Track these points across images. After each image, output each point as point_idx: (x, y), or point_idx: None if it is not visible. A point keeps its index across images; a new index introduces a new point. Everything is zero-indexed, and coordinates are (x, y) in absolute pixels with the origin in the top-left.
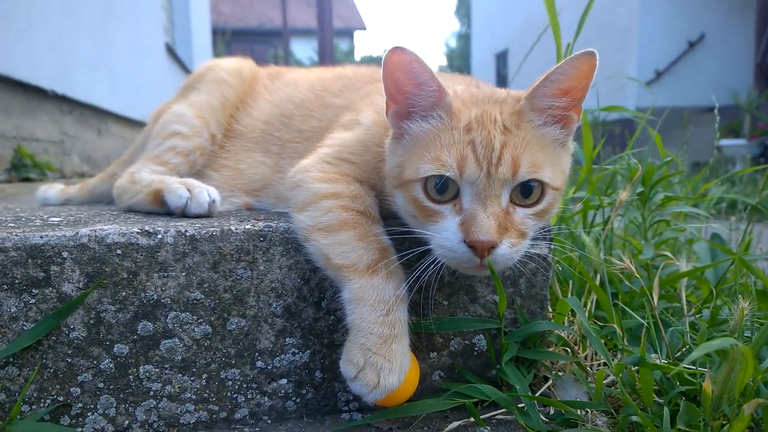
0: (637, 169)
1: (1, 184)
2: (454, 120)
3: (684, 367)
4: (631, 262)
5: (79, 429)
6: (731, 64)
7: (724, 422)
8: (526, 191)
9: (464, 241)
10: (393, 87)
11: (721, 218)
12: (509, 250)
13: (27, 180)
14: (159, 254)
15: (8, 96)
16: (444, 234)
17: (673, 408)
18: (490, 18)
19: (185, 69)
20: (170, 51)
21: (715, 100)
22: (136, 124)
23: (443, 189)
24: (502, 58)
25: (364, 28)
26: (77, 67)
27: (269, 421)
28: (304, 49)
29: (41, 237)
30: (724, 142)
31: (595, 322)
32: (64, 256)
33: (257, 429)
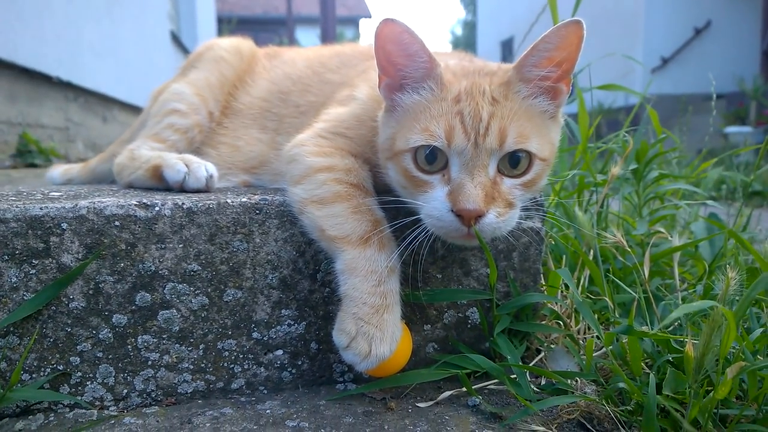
0: (629, 145)
1: (6, 169)
2: (444, 91)
3: (671, 336)
4: (622, 236)
5: (79, 397)
6: (738, 51)
7: (710, 389)
8: (514, 161)
9: (452, 210)
10: (384, 59)
11: (722, 202)
12: (496, 220)
13: (32, 166)
14: (156, 226)
15: (14, 82)
16: (433, 203)
17: (662, 377)
18: (495, 6)
19: None
20: (175, 39)
21: (713, 88)
22: (141, 112)
23: (432, 159)
24: (507, 46)
25: (370, 16)
26: (83, 54)
27: (265, 391)
28: (309, 37)
29: (41, 208)
30: (730, 129)
31: (589, 297)
32: (64, 227)
33: (253, 399)
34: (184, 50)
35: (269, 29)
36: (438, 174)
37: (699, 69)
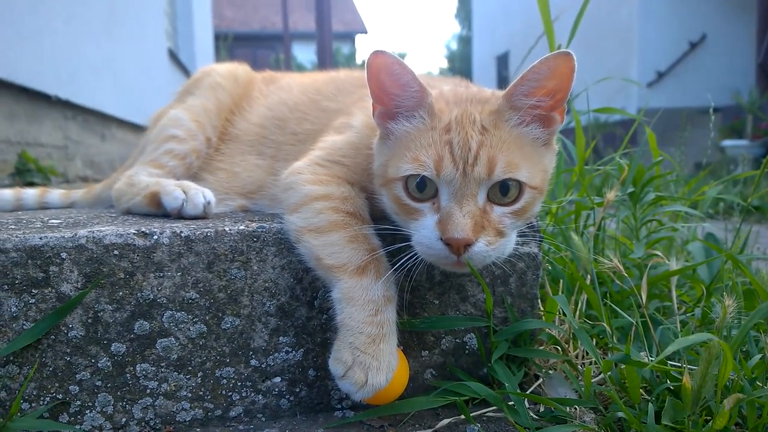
0: (626, 168)
1: (5, 188)
2: (434, 120)
3: (670, 365)
4: (619, 261)
5: (78, 426)
6: (733, 65)
7: (709, 418)
8: (504, 190)
9: (441, 239)
10: (378, 88)
11: (719, 219)
12: (486, 248)
13: (31, 184)
14: (155, 255)
15: (13, 101)
16: (423, 232)
17: (660, 405)
18: (490, 20)
19: (187, 74)
20: (173, 56)
21: (711, 100)
22: (140, 129)
23: (423, 187)
24: (503, 60)
25: (366, 32)
26: (81, 72)
27: (263, 419)
28: (306, 52)
29: (40, 238)
30: (727, 142)
31: (586, 321)
32: (63, 256)
33: (252, 426)
34: (182, 67)
35: (266, 45)
36: (428, 202)
37: (695, 83)
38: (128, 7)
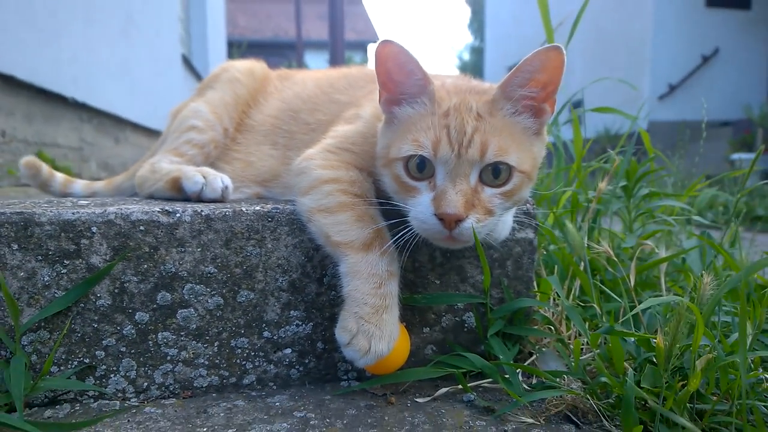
0: (617, 161)
1: (22, 186)
2: (435, 106)
3: (650, 336)
4: (609, 246)
5: (103, 389)
6: (744, 79)
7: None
8: (496, 172)
9: (435, 214)
10: (384, 75)
11: (721, 228)
12: (475, 225)
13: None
14: (177, 231)
15: (32, 103)
16: (419, 208)
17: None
18: (502, 31)
19: (200, 79)
20: (186, 62)
21: (704, 115)
22: (153, 133)
23: (422, 167)
24: None
25: (378, 41)
26: (98, 76)
27: (274, 387)
28: (318, 61)
29: (73, 213)
30: (737, 155)
31: (579, 305)
32: (93, 230)
33: (263, 393)
34: (195, 73)
35: (279, 53)
36: (425, 181)
37: (706, 96)
38: (145, 13)
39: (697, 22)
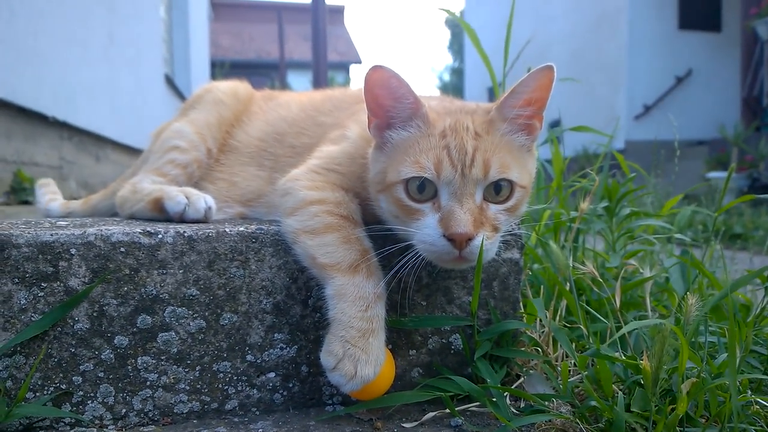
0: (597, 181)
1: (0, 206)
2: (430, 128)
3: (637, 361)
4: (594, 267)
5: (80, 415)
6: (718, 99)
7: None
8: (498, 189)
9: (444, 236)
10: (373, 102)
11: (701, 246)
12: (485, 242)
13: (25, 203)
14: (159, 253)
15: (11, 121)
16: (425, 230)
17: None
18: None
19: (183, 99)
20: (169, 82)
21: (675, 134)
22: (135, 151)
23: (422, 189)
24: (494, 92)
25: (360, 62)
26: (79, 94)
27: (257, 413)
28: (300, 81)
29: (51, 235)
30: (712, 174)
31: (565, 326)
32: (72, 252)
33: (246, 419)
34: (178, 93)
35: (262, 73)
36: (428, 203)
37: (681, 116)
38: (127, 33)
39: (670, 44)
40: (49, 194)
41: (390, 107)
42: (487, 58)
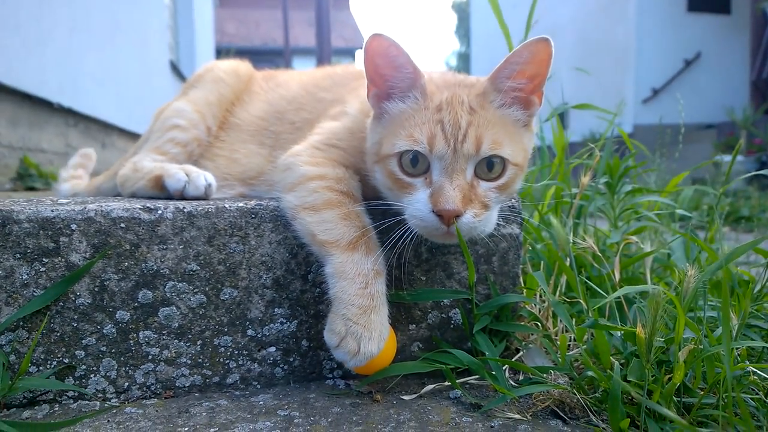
0: (598, 156)
1: (7, 192)
2: (427, 101)
3: (634, 329)
4: (594, 242)
5: (83, 389)
6: (727, 82)
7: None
8: (490, 166)
9: (433, 211)
10: (373, 71)
11: (707, 227)
12: (473, 219)
13: (31, 189)
14: (159, 228)
15: (17, 108)
16: (416, 205)
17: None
18: (489, 38)
19: None
20: (174, 68)
21: (682, 117)
22: (139, 138)
23: (415, 163)
24: None
25: None
26: (84, 81)
27: (258, 386)
28: (305, 67)
29: (52, 211)
30: (722, 157)
31: (565, 301)
32: (73, 228)
33: (247, 392)
34: (183, 80)
35: (267, 60)
36: (421, 177)
37: (689, 99)
38: (131, 20)
39: (679, 27)
40: (67, 176)
41: (389, 76)
42: (507, 28)
